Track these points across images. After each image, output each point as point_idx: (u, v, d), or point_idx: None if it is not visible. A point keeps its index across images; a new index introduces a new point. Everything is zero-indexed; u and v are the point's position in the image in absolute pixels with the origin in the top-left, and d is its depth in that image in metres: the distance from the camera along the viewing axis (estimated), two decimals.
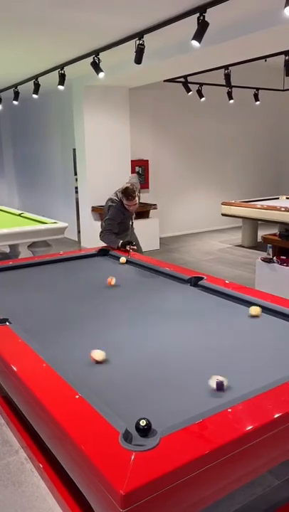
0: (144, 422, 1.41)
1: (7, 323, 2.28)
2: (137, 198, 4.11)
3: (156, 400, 1.66)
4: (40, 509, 2.10)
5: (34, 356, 1.90)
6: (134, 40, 4.56)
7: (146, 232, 7.58)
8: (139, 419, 1.42)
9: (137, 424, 1.41)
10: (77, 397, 1.57)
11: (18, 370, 1.81)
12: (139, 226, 7.52)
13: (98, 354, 1.93)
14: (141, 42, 4.48)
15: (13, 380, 1.87)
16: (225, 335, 2.23)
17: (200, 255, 7.23)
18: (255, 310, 2.42)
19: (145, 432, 1.40)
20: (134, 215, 4.62)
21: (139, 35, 4.46)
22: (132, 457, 1.27)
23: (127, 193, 4.08)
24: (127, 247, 4.05)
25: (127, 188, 4.10)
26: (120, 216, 4.23)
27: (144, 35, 4.45)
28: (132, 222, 4.66)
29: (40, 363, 1.84)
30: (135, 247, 4.14)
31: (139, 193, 4.29)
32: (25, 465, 2.40)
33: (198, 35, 3.79)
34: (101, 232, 4.27)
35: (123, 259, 3.69)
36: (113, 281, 3.04)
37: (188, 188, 8.81)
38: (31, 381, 1.71)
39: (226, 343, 2.13)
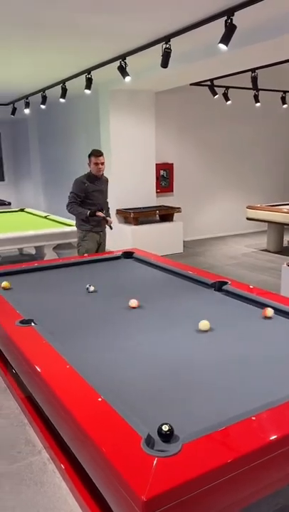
0: (167, 428, 1.40)
1: (32, 324, 2.31)
2: (103, 157, 4.70)
3: (178, 406, 1.65)
4: (61, 510, 2.11)
5: (58, 358, 1.91)
6: (160, 44, 4.57)
7: (169, 236, 7.58)
8: (162, 424, 1.41)
9: (160, 429, 1.40)
10: (99, 399, 1.58)
11: (42, 370, 1.83)
12: (163, 229, 7.56)
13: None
14: (167, 46, 4.48)
15: (36, 381, 1.89)
16: (249, 341, 2.19)
17: (224, 259, 7.16)
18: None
19: (167, 437, 1.39)
20: (106, 195, 5.00)
21: (166, 38, 4.47)
22: (154, 463, 1.26)
23: (95, 150, 4.75)
24: (97, 213, 4.64)
25: (93, 149, 4.80)
26: (81, 186, 4.68)
27: (171, 39, 4.45)
28: (106, 205, 5.01)
29: (64, 364, 1.85)
30: (103, 215, 4.70)
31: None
32: (47, 465, 2.42)
33: (226, 39, 3.77)
34: (67, 205, 4.76)
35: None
36: (134, 304, 2.73)
37: (213, 192, 8.75)
38: (54, 382, 1.72)
39: (249, 349, 2.10)
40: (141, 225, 7.27)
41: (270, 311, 2.46)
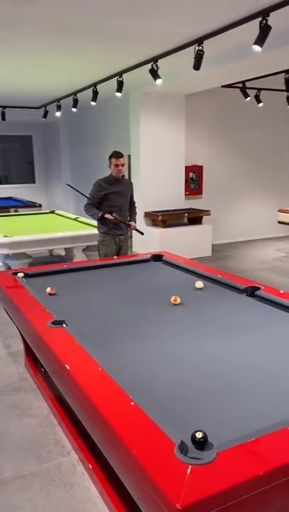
0: (201, 434, 1.37)
1: (64, 325, 2.32)
2: (123, 159, 4.69)
3: (212, 413, 1.62)
4: None
5: (89, 359, 1.91)
6: (193, 46, 4.55)
7: (198, 239, 7.53)
8: (195, 431, 1.38)
9: (193, 436, 1.38)
10: (132, 404, 1.56)
11: (74, 372, 1.83)
12: (191, 232, 7.51)
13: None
14: (200, 48, 4.46)
15: (68, 382, 1.89)
16: (284, 348, 2.14)
17: (254, 263, 7.05)
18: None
19: (201, 444, 1.37)
20: (130, 198, 4.95)
21: (199, 41, 4.45)
22: (189, 470, 1.24)
23: (115, 151, 4.72)
24: (105, 216, 4.64)
25: (114, 151, 4.79)
26: (98, 188, 4.72)
27: (204, 41, 4.43)
28: (130, 211, 4.97)
29: (96, 366, 1.85)
30: (114, 216, 4.65)
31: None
32: (76, 467, 2.43)
33: (261, 40, 3.72)
34: (84, 206, 4.84)
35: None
36: (178, 300, 2.78)
37: (243, 195, 8.65)
38: (87, 385, 1.72)
39: (286, 356, 2.05)
40: (169, 228, 7.25)
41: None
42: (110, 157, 4.73)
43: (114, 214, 4.65)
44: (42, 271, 3.61)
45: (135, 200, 5.05)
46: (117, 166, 4.68)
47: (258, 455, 1.31)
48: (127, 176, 8.17)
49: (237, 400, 1.70)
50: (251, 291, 2.91)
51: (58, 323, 2.35)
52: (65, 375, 1.89)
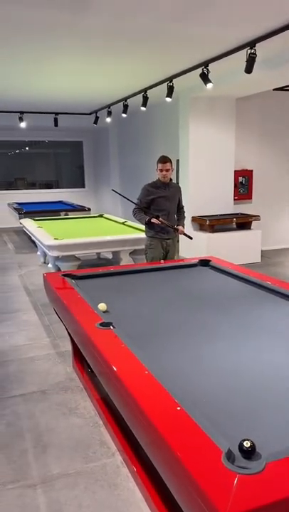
0: (249, 444, 1.34)
1: (111, 327, 2.35)
2: (170, 164, 4.69)
3: (260, 422, 1.58)
4: None
5: (136, 362, 1.93)
6: (244, 49, 4.50)
7: (247, 244, 7.39)
8: (243, 440, 1.36)
9: (241, 445, 1.35)
10: (178, 408, 1.56)
11: (121, 374, 1.85)
12: (239, 237, 7.39)
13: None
14: (252, 51, 4.40)
15: (114, 384, 1.91)
16: None
17: None
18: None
19: (249, 454, 1.34)
20: (178, 202, 4.97)
21: (251, 44, 4.39)
22: (236, 479, 1.21)
23: (162, 156, 4.75)
24: (152, 220, 4.67)
25: (161, 155, 4.81)
26: (145, 192, 4.78)
27: (256, 44, 4.36)
28: (178, 211, 5.00)
29: (142, 369, 1.86)
30: (160, 220, 4.68)
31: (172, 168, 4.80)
32: (121, 469, 2.44)
33: None
34: (132, 210, 4.90)
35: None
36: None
37: None
38: (133, 387, 1.73)
39: None
40: (217, 233, 7.17)
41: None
42: (157, 162, 4.77)
43: (160, 218, 4.67)
44: (91, 273, 3.68)
45: (183, 204, 5.04)
46: (161, 170, 4.71)
47: None
48: (174, 181, 8.22)
49: (287, 409, 1.65)
50: None
51: (106, 324, 2.39)
52: (112, 377, 1.92)
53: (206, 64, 5.15)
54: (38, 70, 5.70)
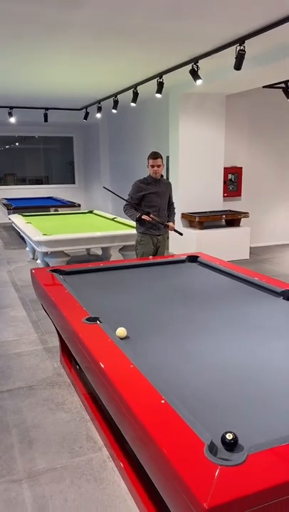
0: (231, 436, 1.36)
1: (98, 322, 2.35)
2: (161, 160, 4.71)
3: (243, 415, 1.59)
4: (119, 509, 2.12)
5: (122, 356, 1.93)
6: (234, 46, 4.51)
7: (236, 241, 7.43)
8: (226, 433, 1.37)
9: (223, 437, 1.36)
10: (162, 402, 1.56)
11: (106, 367, 1.85)
12: (228, 234, 7.42)
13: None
14: (242, 48, 4.41)
15: (99, 377, 1.92)
16: None
17: None
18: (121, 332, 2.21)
19: (231, 446, 1.35)
20: (168, 199, 4.99)
21: (240, 40, 4.40)
22: (218, 471, 1.22)
23: (153, 152, 4.76)
24: (143, 217, 4.67)
25: (152, 151, 4.84)
26: (137, 188, 4.77)
27: (246, 41, 4.37)
28: (167, 209, 4.99)
29: (128, 363, 1.86)
30: (151, 217, 4.68)
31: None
32: (107, 463, 2.45)
33: None
34: (123, 207, 4.90)
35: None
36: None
37: (283, 197, 8.46)
38: (118, 380, 1.74)
39: None
40: (206, 230, 7.20)
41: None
42: (148, 158, 4.77)
43: (151, 215, 4.68)
44: (79, 269, 3.67)
45: (173, 200, 5.06)
46: (152, 166, 4.71)
47: None
48: (165, 177, 8.23)
49: (270, 403, 1.66)
50: None
51: (93, 319, 2.39)
52: (97, 370, 1.92)
53: (195, 60, 5.15)
54: (27, 64, 5.66)
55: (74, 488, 2.26)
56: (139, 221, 4.78)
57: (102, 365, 1.87)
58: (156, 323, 2.51)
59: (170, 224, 4.87)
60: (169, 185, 5.00)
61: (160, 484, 1.41)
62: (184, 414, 1.49)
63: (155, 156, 4.71)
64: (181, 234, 4.96)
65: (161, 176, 4.85)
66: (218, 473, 1.22)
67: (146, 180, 4.80)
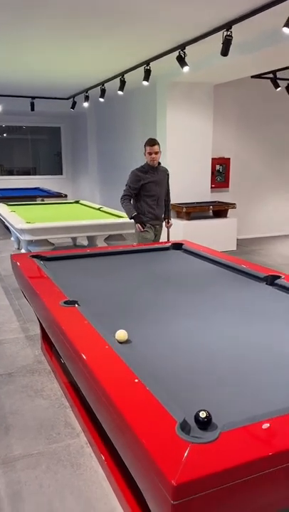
0: (205, 414, 1.31)
1: (76, 305, 2.29)
2: (158, 146, 4.59)
3: (219, 395, 1.55)
4: (95, 494, 2.08)
5: (97, 337, 1.88)
6: (221, 31, 4.44)
7: (223, 232, 7.40)
8: (199, 411, 1.33)
9: (197, 416, 1.32)
10: (136, 380, 1.52)
11: (81, 348, 1.79)
12: (216, 225, 7.39)
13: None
14: (228, 33, 4.35)
15: (74, 357, 1.86)
16: None
17: (280, 259, 6.88)
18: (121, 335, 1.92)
19: (205, 424, 1.31)
20: (167, 188, 4.94)
21: (227, 25, 4.33)
22: (188, 448, 1.18)
23: (149, 139, 4.64)
24: (137, 225, 4.65)
25: (148, 138, 4.72)
26: (135, 177, 4.64)
27: (233, 26, 4.31)
28: (165, 198, 4.95)
29: (103, 344, 1.81)
30: (144, 229, 4.69)
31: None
32: (85, 449, 2.40)
33: None
34: (120, 198, 4.73)
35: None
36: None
37: (271, 189, 8.45)
38: (92, 360, 1.69)
39: None
40: (193, 220, 7.15)
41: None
42: (145, 145, 4.64)
43: (146, 228, 4.72)
44: (60, 255, 3.60)
45: (170, 189, 4.99)
46: (150, 154, 4.59)
47: (264, 437, 1.24)
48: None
49: (248, 384, 1.63)
50: (271, 280, 2.82)
51: (71, 302, 2.33)
52: (72, 351, 1.87)
53: (182, 47, 5.07)
54: (10, 51, 5.53)
55: (50, 474, 2.21)
56: (134, 219, 4.72)
57: (77, 345, 1.82)
58: (136, 307, 2.46)
59: (170, 223, 4.98)
60: (166, 172, 4.89)
61: (131, 464, 1.37)
62: (157, 392, 1.45)
63: (152, 142, 4.58)
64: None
65: (159, 163, 4.75)
66: (189, 451, 1.17)
67: (144, 169, 4.68)
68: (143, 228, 4.70)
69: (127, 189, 4.71)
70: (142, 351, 1.87)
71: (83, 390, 1.81)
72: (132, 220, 4.79)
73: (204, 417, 1.31)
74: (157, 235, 4.94)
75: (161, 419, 1.33)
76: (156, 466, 1.15)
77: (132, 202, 4.75)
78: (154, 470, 1.16)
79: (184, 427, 1.29)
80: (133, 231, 5.09)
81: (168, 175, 4.91)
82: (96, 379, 1.56)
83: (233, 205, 7.45)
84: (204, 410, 1.33)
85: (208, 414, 1.32)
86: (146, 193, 4.68)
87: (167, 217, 4.95)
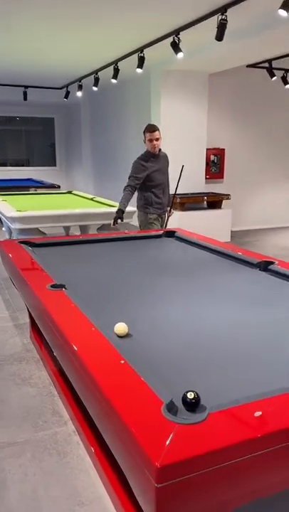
0: (192, 395, 1.24)
1: (63, 289, 2.22)
2: (159, 132, 4.39)
3: (209, 376, 1.49)
4: (82, 482, 2.02)
5: (83, 319, 1.81)
6: (216, 16, 4.35)
7: (217, 223, 7.33)
8: (187, 391, 1.26)
9: (184, 397, 1.25)
10: (122, 362, 1.45)
11: (66, 330, 1.72)
12: (210, 216, 7.31)
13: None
14: (223, 17, 4.26)
15: (58, 338, 1.79)
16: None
17: (275, 250, 6.83)
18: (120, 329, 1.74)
19: (192, 406, 1.24)
20: (168, 176, 4.82)
21: (222, 9, 4.24)
22: (174, 429, 1.11)
23: (149, 125, 4.47)
24: (117, 221, 4.41)
25: (148, 124, 4.53)
26: (140, 168, 4.42)
27: (228, 10, 4.22)
28: (168, 186, 4.85)
29: (89, 326, 1.74)
30: (118, 227, 4.52)
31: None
32: (72, 437, 2.34)
33: (288, 4, 3.50)
34: (124, 188, 4.49)
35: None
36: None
37: (266, 180, 8.38)
38: (77, 341, 1.62)
39: None
40: (187, 211, 7.08)
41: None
42: (144, 131, 4.46)
43: (153, 219, 4.68)
44: (49, 241, 3.52)
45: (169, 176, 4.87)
46: (151, 140, 4.40)
47: (254, 419, 1.18)
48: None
49: (238, 366, 1.56)
50: (265, 266, 2.75)
51: (58, 286, 2.26)
52: (58, 333, 1.80)
53: (177, 32, 4.98)
54: (0, 38, 5.40)
55: (35, 462, 2.14)
56: (117, 212, 4.49)
57: (62, 327, 1.75)
58: (126, 291, 2.39)
59: (172, 212, 4.99)
60: (166, 158, 4.72)
61: (115, 447, 1.30)
62: (143, 373, 1.38)
63: (152, 128, 4.39)
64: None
65: (160, 149, 4.59)
66: (175, 432, 1.11)
67: (146, 157, 4.49)
68: (113, 225, 4.50)
69: (132, 179, 4.46)
70: (130, 333, 1.80)
71: (67, 370, 1.74)
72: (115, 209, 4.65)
73: (192, 398, 1.25)
74: (163, 224, 4.83)
75: (147, 400, 1.26)
76: (140, 447, 1.09)
77: (132, 194, 4.56)
78: (138, 452, 1.10)
79: (171, 408, 1.22)
80: (126, 221, 4.96)
81: (168, 160, 4.77)
82: (81, 361, 1.49)
83: (227, 196, 7.38)
84: (192, 391, 1.26)
85: (197, 395, 1.25)
86: (152, 183, 4.52)
87: (169, 206, 4.83)
